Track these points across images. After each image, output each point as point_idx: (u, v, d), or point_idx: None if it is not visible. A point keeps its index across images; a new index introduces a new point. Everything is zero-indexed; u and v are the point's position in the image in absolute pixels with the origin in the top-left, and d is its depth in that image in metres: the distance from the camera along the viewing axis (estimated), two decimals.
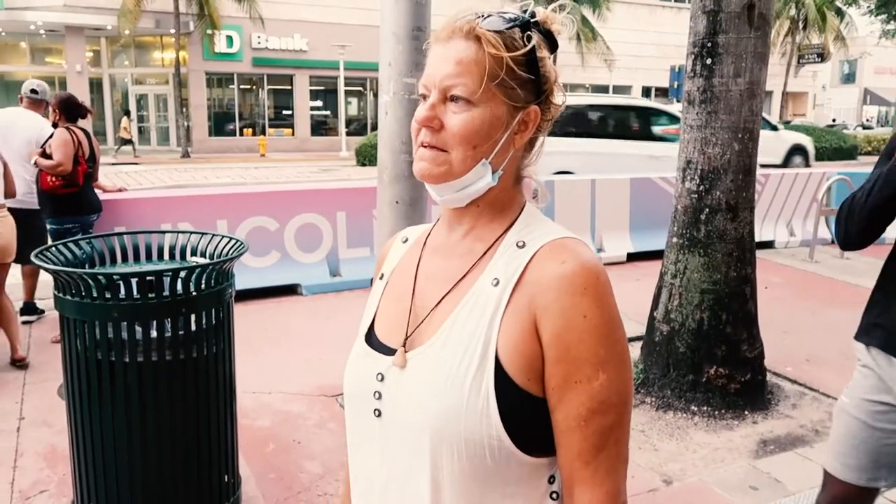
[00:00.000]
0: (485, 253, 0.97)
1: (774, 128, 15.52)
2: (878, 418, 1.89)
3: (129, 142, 24.26)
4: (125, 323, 2.38)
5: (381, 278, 1.10)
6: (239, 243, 2.77)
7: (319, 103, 29.26)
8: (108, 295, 2.35)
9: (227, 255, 2.73)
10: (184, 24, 23.71)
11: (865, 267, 7.67)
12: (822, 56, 33.23)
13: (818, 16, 31.84)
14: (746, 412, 3.89)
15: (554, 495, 0.95)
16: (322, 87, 28.73)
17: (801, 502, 3.04)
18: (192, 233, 2.93)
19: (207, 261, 2.69)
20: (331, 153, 26.27)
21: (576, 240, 0.95)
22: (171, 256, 2.93)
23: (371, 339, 1.03)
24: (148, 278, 2.38)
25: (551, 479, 0.95)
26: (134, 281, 2.38)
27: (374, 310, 1.07)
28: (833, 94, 43.28)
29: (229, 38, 26.03)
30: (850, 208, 1.84)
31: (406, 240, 1.12)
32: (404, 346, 0.97)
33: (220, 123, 27.53)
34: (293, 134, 28.54)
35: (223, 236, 2.87)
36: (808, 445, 3.57)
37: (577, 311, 0.88)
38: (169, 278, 2.44)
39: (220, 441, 2.67)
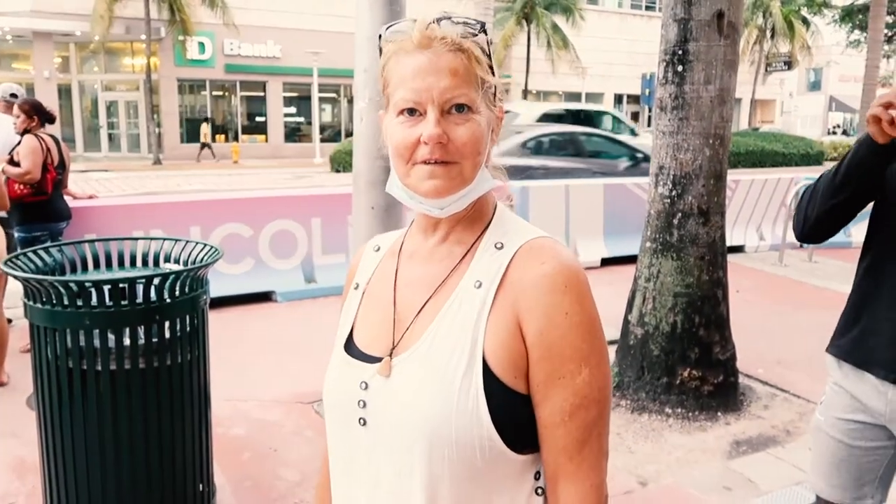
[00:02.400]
0: (464, 255, 0.98)
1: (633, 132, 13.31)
2: (854, 436, 1.85)
3: (206, 146, 25.17)
4: (97, 331, 2.35)
5: (355, 288, 1.10)
6: (213, 250, 2.75)
7: (293, 110, 29.14)
8: (79, 302, 2.31)
9: (201, 261, 2.71)
10: (155, 30, 23.48)
11: (834, 270, 7.83)
12: (790, 64, 33.92)
13: (785, 25, 32.51)
14: (719, 413, 3.94)
15: (539, 490, 0.97)
16: (296, 94, 28.61)
17: (773, 502, 3.09)
18: (164, 239, 2.90)
19: (181, 267, 2.66)
20: (305, 160, 26.13)
21: (552, 239, 0.97)
22: (144, 263, 2.89)
23: (351, 348, 1.03)
24: (121, 285, 2.35)
25: (537, 475, 0.97)
26: (106, 288, 2.35)
27: (352, 320, 1.06)
28: (800, 101, 44.12)
29: (201, 45, 25.83)
30: (814, 187, 1.81)
31: (378, 248, 1.12)
32: (391, 354, 0.96)
33: (193, 130, 27.27)
34: (266, 141, 28.37)
35: (197, 242, 2.84)
36: (780, 446, 3.63)
37: (558, 310, 0.90)
38: (142, 285, 2.41)
39: (194, 450, 2.64)
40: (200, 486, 2.71)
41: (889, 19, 25.81)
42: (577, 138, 10.24)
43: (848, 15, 28.62)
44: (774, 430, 3.82)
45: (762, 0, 32.50)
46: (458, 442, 0.89)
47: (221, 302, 5.73)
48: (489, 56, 0.95)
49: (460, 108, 0.92)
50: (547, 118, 10.91)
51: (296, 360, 4.66)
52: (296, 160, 26.30)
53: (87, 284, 2.34)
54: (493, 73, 0.96)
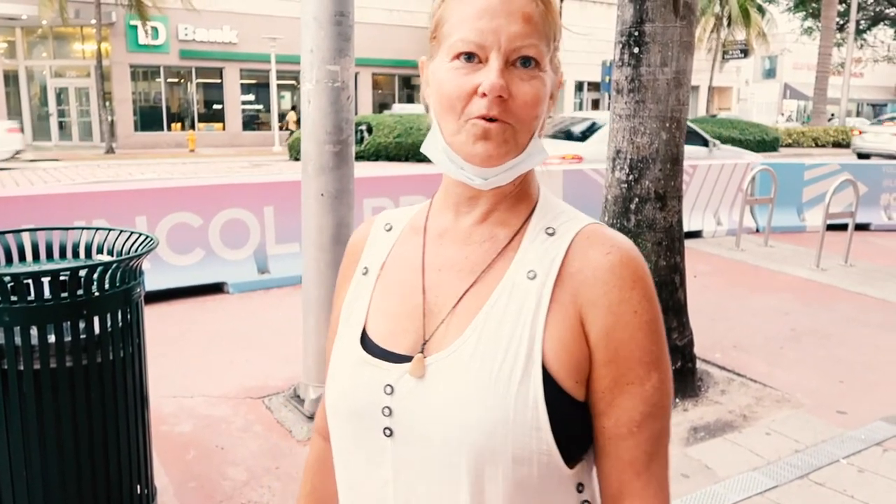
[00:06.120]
0: (511, 240, 0.85)
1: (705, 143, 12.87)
2: None
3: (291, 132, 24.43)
4: (18, 327, 2.18)
5: (364, 273, 0.94)
6: (148, 239, 2.59)
7: (251, 97, 28.60)
8: None
9: (134, 251, 2.55)
10: (105, 14, 22.75)
11: (788, 253, 7.93)
12: (746, 52, 34.40)
13: (741, 13, 32.94)
14: (677, 400, 3.92)
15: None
16: (253, 81, 28.08)
17: (730, 488, 3.07)
18: (97, 229, 2.73)
19: (110, 258, 2.50)
20: (263, 148, 25.70)
21: (609, 227, 0.86)
22: (76, 255, 2.72)
23: (366, 344, 0.88)
24: (43, 278, 2.19)
25: (580, 488, 0.85)
26: (28, 282, 2.19)
27: (365, 310, 0.90)
28: (756, 88, 44.83)
29: (154, 30, 25.13)
30: None
31: (389, 227, 0.96)
32: (422, 351, 0.83)
33: (147, 118, 26.57)
34: (224, 129, 27.80)
35: (132, 232, 2.67)
36: (737, 431, 3.61)
37: (627, 307, 0.79)
38: (68, 278, 2.25)
39: (130, 451, 2.49)
40: (138, 487, 2.57)
41: (841, 8, 26.33)
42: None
43: (802, 3, 29.15)
44: (732, 415, 3.81)
45: None
46: (514, 457, 0.77)
47: (170, 294, 5.54)
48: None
49: (527, 61, 0.78)
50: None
51: (247, 354, 4.51)
52: (254, 148, 25.86)
53: (6, 278, 2.17)
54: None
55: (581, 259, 0.81)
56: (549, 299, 0.80)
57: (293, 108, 26.73)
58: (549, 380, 0.78)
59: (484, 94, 0.77)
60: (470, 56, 0.78)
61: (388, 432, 0.83)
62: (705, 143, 11.89)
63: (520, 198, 0.87)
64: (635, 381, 0.80)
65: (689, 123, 12.27)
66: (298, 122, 26.24)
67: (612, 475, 0.83)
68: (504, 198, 0.86)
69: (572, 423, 0.80)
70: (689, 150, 11.61)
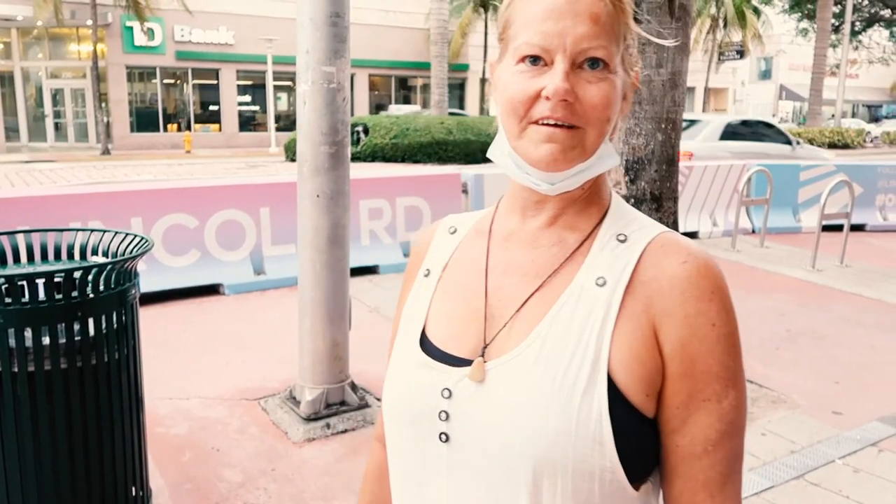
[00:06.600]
0: (580, 245, 0.82)
1: (788, 142, 13.23)
2: None
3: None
4: (13, 329, 2.18)
5: (426, 275, 0.92)
6: (143, 240, 2.58)
7: (247, 98, 28.57)
8: None
9: (129, 253, 2.54)
10: (101, 15, 22.70)
11: (784, 254, 7.94)
12: (742, 53, 34.49)
13: (737, 14, 33.02)
14: None
15: None
16: (250, 82, 28.06)
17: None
18: (92, 230, 2.72)
19: (104, 260, 2.50)
20: (260, 149, 25.67)
21: (684, 236, 0.83)
22: (70, 256, 2.71)
23: (426, 346, 0.86)
24: (38, 280, 2.19)
25: None
26: (22, 283, 2.18)
27: (425, 311, 0.89)
28: (751, 89, 44.90)
29: (151, 31, 25.10)
30: None
31: (454, 230, 0.95)
32: (482, 355, 0.80)
33: (143, 119, 26.51)
34: (220, 130, 27.77)
35: (127, 233, 2.67)
36: None
37: (704, 319, 0.76)
38: (62, 279, 2.25)
39: (125, 453, 2.49)
40: (134, 490, 2.56)
41: (836, 9, 26.40)
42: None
43: (797, 4, 29.22)
44: None
45: None
46: (576, 471, 0.74)
47: (166, 296, 5.53)
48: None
49: (595, 63, 0.76)
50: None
51: (243, 355, 4.50)
52: (250, 149, 25.83)
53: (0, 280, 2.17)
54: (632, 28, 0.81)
55: (655, 268, 0.78)
56: (618, 308, 0.77)
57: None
58: (615, 392, 0.74)
59: (548, 98, 0.75)
60: (535, 59, 0.77)
61: (444, 437, 0.80)
62: (788, 142, 12.87)
63: (590, 202, 0.84)
64: (712, 397, 0.76)
65: (774, 123, 13.55)
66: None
67: (683, 496, 0.79)
68: (572, 202, 0.84)
69: (638, 439, 0.76)
70: (773, 148, 12.49)
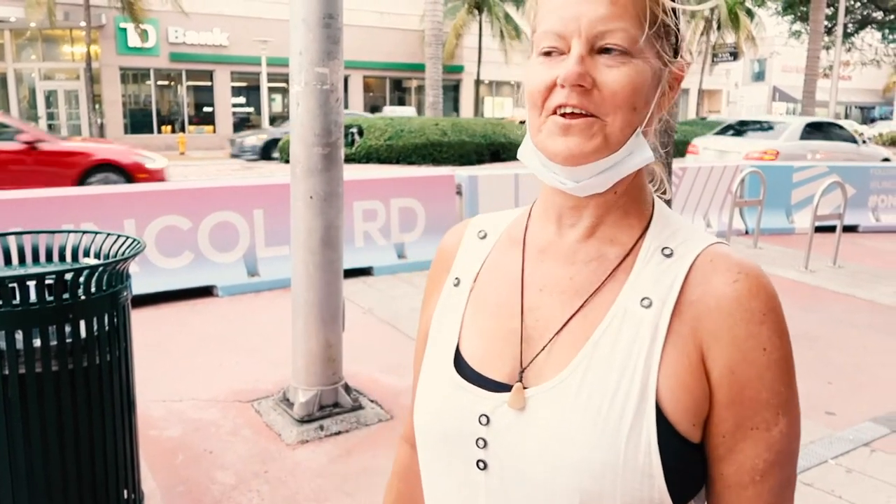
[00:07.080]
0: (622, 261, 0.77)
1: (854, 141, 14.45)
2: None
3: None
4: (4, 332, 2.17)
5: (455, 284, 0.87)
6: (135, 242, 2.57)
7: (242, 100, 28.54)
8: None
9: (121, 254, 2.53)
10: (95, 16, 22.64)
11: (777, 255, 7.97)
12: (735, 55, 34.58)
13: (731, 16, 33.13)
14: None
15: None
16: (244, 84, 28.02)
17: None
18: (84, 232, 2.71)
19: (96, 261, 2.49)
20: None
21: (733, 249, 0.77)
22: (62, 258, 2.70)
23: (460, 366, 0.81)
24: (29, 282, 2.18)
25: None
26: (13, 285, 2.17)
27: (458, 326, 0.83)
28: (745, 91, 45.07)
29: (145, 32, 25.05)
30: None
31: (483, 234, 0.89)
32: (520, 380, 0.76)
33: (137, 120, 26.44)
34: (214, 131, 27.71)
35: (119, 235, 2.66)
36: None
37: (755, 343, 0.71)
38: (54, 281, 2.24)
39: (117, 455, 2.47)
40: (125, 492, 2.55)
41: (828, 11, 26.51)
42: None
43: (790, 6, 29.33)
44: None
45: None
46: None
47: (159, 297, 5.52)
48: None
49: (612, 47, 0.71)
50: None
51: (236, 357, 4.49)
52: None
53: None
54: (675, 16, 0.75)
55: (703, 286, 0.73)
56: (665, 331, 0.72)
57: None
58: (663, 422, 0.71)
59: (563, 86, 0.71)
60: (551, 51, 0.73)
61: (481, 465, 0.77)
62: (853, 140, 14.10)
63: (629, 210, 0.79)
64: (761, 425, 0.72)
65: (838, 122, 15.71)
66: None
67: None
68: (609, 209, 0.78)
69: (686, 468, 0.73)
70: (838, 146, 13.62)
